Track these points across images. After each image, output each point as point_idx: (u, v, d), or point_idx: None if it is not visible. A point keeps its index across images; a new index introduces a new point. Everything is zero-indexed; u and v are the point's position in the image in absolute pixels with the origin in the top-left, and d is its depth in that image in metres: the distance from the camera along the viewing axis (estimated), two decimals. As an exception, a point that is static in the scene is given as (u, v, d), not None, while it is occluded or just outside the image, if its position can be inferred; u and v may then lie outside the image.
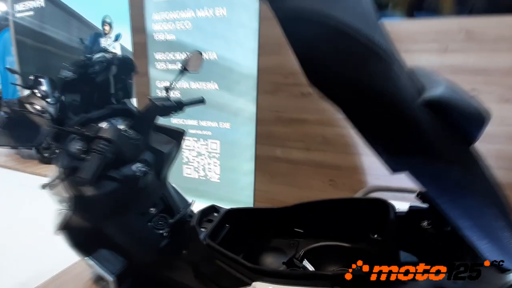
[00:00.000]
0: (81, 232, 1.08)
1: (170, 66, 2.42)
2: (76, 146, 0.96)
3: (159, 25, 2.37)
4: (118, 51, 3.63)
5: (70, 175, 0.93)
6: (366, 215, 1.04)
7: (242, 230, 1.19)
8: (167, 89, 1.13)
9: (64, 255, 1.23)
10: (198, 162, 2.52)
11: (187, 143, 2.50)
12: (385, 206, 0.96)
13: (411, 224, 0.84)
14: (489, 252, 0.58)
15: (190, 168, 2.57)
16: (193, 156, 2.53)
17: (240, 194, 2.39)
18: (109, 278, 1.07)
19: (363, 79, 0.47)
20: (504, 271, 0.64)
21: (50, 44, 3.89)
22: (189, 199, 1.34)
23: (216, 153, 2.42)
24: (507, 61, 1.53)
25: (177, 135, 1.24)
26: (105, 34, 3.69)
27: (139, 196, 1.12)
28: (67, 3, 3.85)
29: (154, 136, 1.19)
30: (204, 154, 2.48)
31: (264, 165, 2.26)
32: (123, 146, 1.00)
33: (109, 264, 1.09)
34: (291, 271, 0.96)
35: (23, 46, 4.06)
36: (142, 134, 1.10)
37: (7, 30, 4.39)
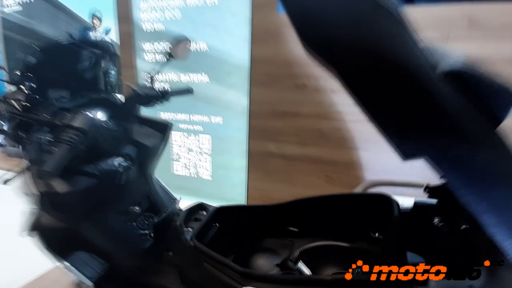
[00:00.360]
0: (55, 234, 1.01)
1: (159, 57, 2.34)
2: (44, 136, 0.86)
3: (147, 13, 2.29)
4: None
5: (35, 169, 0.85)
6: (367, 212, 0.97)
7: (232, 229, 1.12)
8: (151, 77, 1.08)
9: (41, 259, 1.14)
10: (189, 159, 2.45)
11: (177, 138, 2.42)
12: (387, 201, 0.89)
13: (417, 222, 0.78)
14: None
15: (179, 165, 2.49)
16: (182, 152, 2.45)
17: (232, 192, 2.33)
18: (88, 283, 1.00)
19: (372, 39, 0.39)
20: None
21: (38, 39, 3.79)
22: (177, 196, 1.26)
23: (207, 148, 2.35)
24: (512, 49, 1.48)
25: (163, 128, 1.15)
26: (95, 28, 3.65)
27: (120, 193, 1.04)
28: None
29: (137, 128, 1.12)
30: (194, 151, 2.40)
31: (257, 161, 2.19)
32: (100, 138, 0.93)
33: (87, 268, 1.02)
34: (284, 276, 0.90)
35: (10, 41, 3.95)
36: (122, 125, 1.02)
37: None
